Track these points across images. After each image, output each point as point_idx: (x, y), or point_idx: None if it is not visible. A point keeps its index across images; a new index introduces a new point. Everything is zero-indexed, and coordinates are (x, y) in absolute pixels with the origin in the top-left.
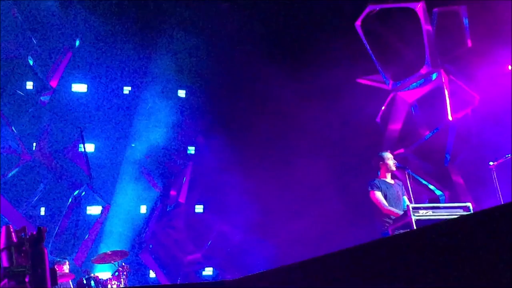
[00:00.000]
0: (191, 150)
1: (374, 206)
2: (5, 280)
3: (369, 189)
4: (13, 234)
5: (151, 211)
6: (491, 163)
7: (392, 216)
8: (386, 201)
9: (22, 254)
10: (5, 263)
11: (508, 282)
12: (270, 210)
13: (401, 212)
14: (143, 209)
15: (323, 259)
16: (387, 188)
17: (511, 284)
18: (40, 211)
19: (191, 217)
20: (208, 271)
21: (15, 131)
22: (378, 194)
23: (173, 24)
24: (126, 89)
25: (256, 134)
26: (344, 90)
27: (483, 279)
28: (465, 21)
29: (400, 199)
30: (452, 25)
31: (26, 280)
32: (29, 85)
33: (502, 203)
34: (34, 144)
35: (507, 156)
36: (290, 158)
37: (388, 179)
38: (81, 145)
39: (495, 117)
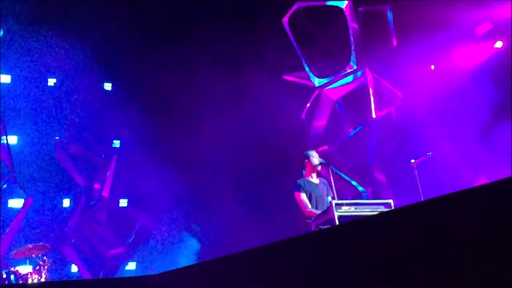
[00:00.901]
0: (116, 143)
1: (298, 207)
2: None
3: (294, 190)
4: None
5: (74, 204)
6: (412, 160)
7: (313, 218)
8: (311, 201)
9: None
10: None
11: (424, 278)
12: (194, 206)
13: (323, 210)
14: (66, 202)
15: (245, 254)
16: (311, 188)
17: (428, 280)
18: None
19: (115, 211)
20: (131, 266)
21: None
22: (303, 196)
23: (94, 14)
24: (51, 81)
25: (178, 134)
26: (265, 88)
27: (400, 275)
28: (391, 20)
29: (324, 199)
30: (378, 25)
31: None
32: None
33: (423, 199)
34: None
35: (428, 154)
36: (213, 156)
37: (314, 178)
38: (3, 137)
39: (418, 116)
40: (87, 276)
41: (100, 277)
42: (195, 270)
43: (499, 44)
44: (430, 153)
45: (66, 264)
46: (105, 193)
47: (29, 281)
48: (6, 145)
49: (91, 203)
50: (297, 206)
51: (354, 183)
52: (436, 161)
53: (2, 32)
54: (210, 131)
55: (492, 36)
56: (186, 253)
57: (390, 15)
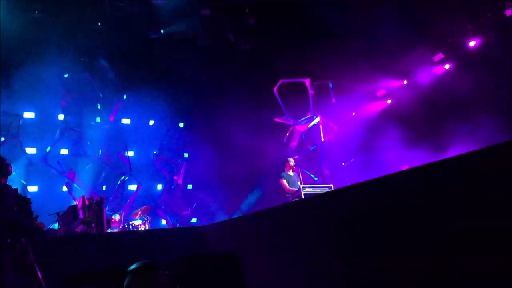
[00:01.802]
0: (186, 154)
1: (281, 188)
2: (81, 225)
3: (280, 178)
4: (86, 200)
5: (163, 188)
6: (343, 163)
7: (290, 192)
8: (289, 184)
9: (91, 211)
10: (81, 216)
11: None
12: (231, 188)
13: (296, 189)
14: (159, 186)
15: (260, 212)
16: (289, 177)
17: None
18: (102, 188)
19: (185, 191)
20: (194, 220)
21: (89, 144)
22: (284, 181)
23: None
24: (151, 122)
25: (228, 149)
26: (267, 126)
27: (337, 225)
28: (331, 88)
29: (296, 183)
30: (324, 90)
31: (93, 225)
32: (98, 119)
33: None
34: (100, 151)
35: (351, 160)
36: (239, 165)
37: (290, 172)
38: (126, 152)
39: (346, 139)
40: (170, 226)
41: (177, 226)
42: (229, 223)
43: (389, 101)
44: (352, 159)
45: (159, 219)
46: (180, 182)
47: (139, 228)
48: (127, 156)
49: (172, 187)
50: (281, 188)
51: (312, 175)
52: (356, 164)
53: (125, 96)
54: (236, 149)
55: (385, 97)
56: (224, 216)
57: (330, 85)
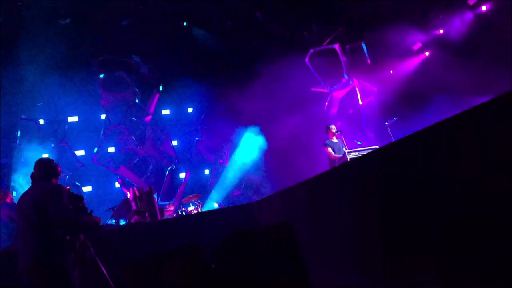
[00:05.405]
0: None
1: (327, 155)
2: (135, 216)
3: (324, 146)
4: (136, 191)
5: (211, 172)
6: (386, 123)
7: (336, 159)
8: (334, 151)
9: (143, 201)
10: (134, 207)
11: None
12: (277, 165)
13: (341, 155)
14: (206, 171)
15: (305, 182)
16: (333, 144)
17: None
18: (152, 179)
19: (233, 172)
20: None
21: (134, 138)
22: (329, 149)
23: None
24: (189, 109)
25: (270, 125)
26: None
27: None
28: (365, 49)
29: (341, 149)
30: (358, 52)
31: (146, 215)
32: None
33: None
34: (144, 144)
35: (395, 118)
36: (284, 132)
37: (334, 139)
38: (170, 142)
39: (386, 99)
40: (221, 207)
41: (229, 206)
42: (276, 196)
43: (427, 53)
44: (396, 118)
45: (211, 203)
46: (226, 164)
47: (192, 213)
48: (171, 145)
49: (219, 170)
50: (326, 155)
51: (355, 140)
52: (399, 122)
53: (161, 87)
54: (279, 123)
55: (422, 49)
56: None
57: (364, 46)
